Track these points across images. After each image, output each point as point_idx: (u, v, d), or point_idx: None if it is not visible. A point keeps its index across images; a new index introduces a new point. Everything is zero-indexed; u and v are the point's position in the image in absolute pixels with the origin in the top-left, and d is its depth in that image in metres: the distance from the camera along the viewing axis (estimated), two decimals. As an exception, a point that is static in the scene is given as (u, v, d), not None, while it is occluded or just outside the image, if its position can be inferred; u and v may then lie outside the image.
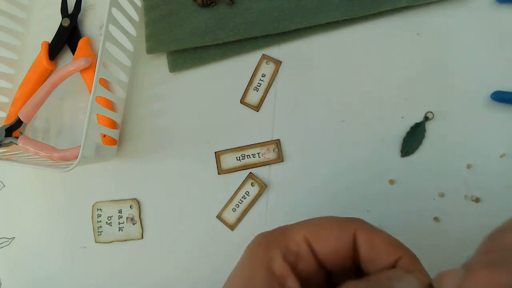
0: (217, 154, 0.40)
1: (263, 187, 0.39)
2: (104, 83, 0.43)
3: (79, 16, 0.46)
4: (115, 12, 0.37)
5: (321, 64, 0.40)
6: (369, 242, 0.20)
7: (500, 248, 0.16)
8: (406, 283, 0.18)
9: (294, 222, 0.22)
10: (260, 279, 0.19)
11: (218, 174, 0.40)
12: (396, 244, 0.20)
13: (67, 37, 0.46)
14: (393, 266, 0.19)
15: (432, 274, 0.18)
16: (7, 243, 0.46)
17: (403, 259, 0.19)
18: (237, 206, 0.39)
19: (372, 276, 0.19)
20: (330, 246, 0.20)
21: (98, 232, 0.42)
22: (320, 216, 0.22)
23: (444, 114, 0.36)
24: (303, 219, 0.22)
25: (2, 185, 0.47)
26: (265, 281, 0.19)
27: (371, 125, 0.38)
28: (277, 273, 0.19)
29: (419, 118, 0.37)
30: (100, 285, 0.42)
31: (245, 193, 0.39)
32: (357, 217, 0.22)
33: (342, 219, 0.21)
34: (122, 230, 0.42)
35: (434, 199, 0.36)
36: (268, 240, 0.21)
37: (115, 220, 0.42)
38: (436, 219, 0.35)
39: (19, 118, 0.42)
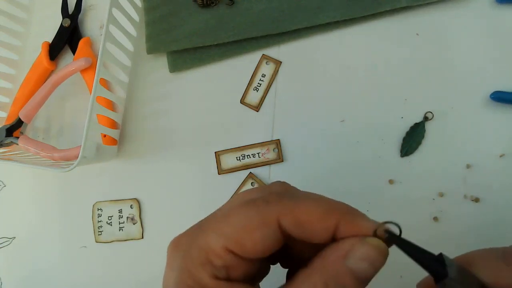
0: (217, 154, 0.40)
1: (263, 187, 0.39)
2: (105, 83, 0.43)
3: (79, 16, 0.46)
4: (116, 13, 0.37)
5: (321, 64, 0.40)
6: (296, 222, 0.17)
7: None
8: (359, 259, 0.17)
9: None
10: None
11: (218, 174, 0.40)
12: (326, 211, 0.17)
13: (68, 37, 0.46)
14: (333, 234, 0.17)
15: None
16: (8, 242, 0.46)
17: (342, 224, 0.17)
18: (237, 206, 0.39)
19: (325, 260, 0.17)
20: (257, 249, 0.18)
21: (99, 232, 0.43)
22: (230, 208, 0.19)
23: (443, 114, 0.36)
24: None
25: (3, 185, 0.47)
26: None
27: (370, 125, 0.38)
28: None
29: (418, 118, 0.37)
30: (100, 284, 0.42)
31: (245, 193, 0.39)
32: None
33: (256, 210, 0.18)
34: (122, 230, 0.42)
35: (433, 199, 0.36)
36: (187, 259, 0.19)
37: (115, 220, 0.42)
38: (435, 219, 0.35)
39: (19, 118, 0.42)
